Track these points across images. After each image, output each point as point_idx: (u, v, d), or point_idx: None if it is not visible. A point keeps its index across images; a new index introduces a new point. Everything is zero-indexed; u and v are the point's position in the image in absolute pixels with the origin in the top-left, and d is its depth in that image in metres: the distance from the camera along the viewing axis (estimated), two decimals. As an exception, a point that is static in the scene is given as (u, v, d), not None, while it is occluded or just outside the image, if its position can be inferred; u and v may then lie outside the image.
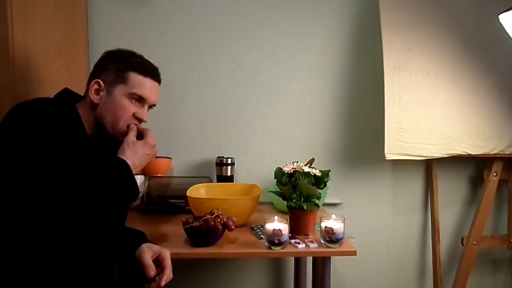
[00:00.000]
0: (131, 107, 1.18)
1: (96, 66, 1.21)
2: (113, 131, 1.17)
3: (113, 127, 1.17)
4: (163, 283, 1.05)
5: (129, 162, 1.09)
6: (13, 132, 1.00)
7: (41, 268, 1.02)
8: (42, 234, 0.98)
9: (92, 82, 1.16)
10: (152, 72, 1.21)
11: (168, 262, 1.08)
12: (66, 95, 1.19)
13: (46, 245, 1.01)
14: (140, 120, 1.20)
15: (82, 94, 1.23)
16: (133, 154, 1.11)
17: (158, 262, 1.08)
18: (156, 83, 1.23)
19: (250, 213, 1.51)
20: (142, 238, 1.17)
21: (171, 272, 1.08)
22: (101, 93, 1.16)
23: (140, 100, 1.19)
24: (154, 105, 1.25)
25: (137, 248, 1.10)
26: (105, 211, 1.09)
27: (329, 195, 1.85)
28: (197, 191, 1.58)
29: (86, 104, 1.18)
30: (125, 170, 1.07)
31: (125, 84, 1.16)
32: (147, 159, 1.16)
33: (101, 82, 1.16)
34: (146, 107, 1.22)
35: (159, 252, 1.10)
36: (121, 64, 1.17)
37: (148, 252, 1.08)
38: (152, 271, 1.04)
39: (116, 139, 1.18)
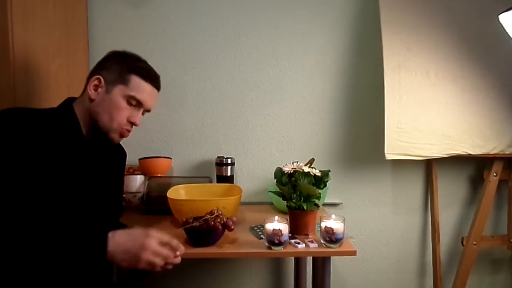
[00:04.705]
0: (127, 110, 1.20)
1: (99, 63, 1.22)
2: (106, 129, 1.18)
3: (106, 125, 1.18)
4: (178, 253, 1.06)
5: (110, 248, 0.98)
6: (9, 136, 1.02)
7: (39, 267, 1.02)
8: (39, 234, 0.98)
9: (93, 78, 1.17)
10: (153, 78, 1.24)
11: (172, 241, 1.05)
12: (68, 102, 1.21)
13: (45, 246, 1.01)
14: (132, 124, 1.22)
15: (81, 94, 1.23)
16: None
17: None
18: (156, 90, 1.26)
19: (233, 213, 1.49)
20: None
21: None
22: (99, 89, 1.17)
23: (137, 104, 1.21)
24: (149, 111, 1.27)
25: None
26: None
27: (329, 195, 1.85)
28: (177, 193, 1.56)
29: (82, 100, 1.19)
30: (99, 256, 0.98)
31: (125, 86, 1.18)
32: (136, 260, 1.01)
33: (102, 79, 1.17)
34: (141, 111, 1.24)
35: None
36: (124, 65, 1.19)
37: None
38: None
39: (108, 137, 1.20)
